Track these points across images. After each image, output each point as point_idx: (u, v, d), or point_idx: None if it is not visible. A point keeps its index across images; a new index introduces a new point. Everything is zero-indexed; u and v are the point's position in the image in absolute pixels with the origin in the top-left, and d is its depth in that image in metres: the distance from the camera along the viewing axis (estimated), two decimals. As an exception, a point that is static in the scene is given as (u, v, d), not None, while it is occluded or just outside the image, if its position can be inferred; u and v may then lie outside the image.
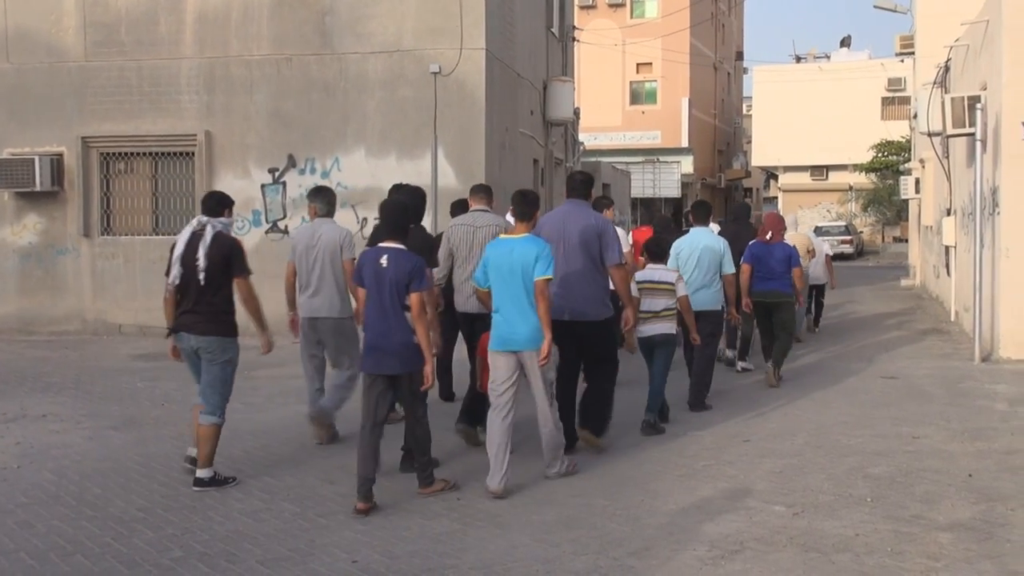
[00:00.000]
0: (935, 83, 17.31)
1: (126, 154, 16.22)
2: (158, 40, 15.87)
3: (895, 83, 49.19)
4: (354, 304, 7.75)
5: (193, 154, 15.89)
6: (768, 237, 11.15)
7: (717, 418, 9.38)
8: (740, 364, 12.17)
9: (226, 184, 15.65)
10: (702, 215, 10.46)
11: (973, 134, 13.00)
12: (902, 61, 38.89)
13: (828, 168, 52.30)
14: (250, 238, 15.53)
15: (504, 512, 6.49)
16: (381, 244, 6.79)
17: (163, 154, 16.12)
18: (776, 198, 54.02)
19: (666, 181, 43.49)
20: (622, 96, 50.35)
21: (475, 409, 8.01)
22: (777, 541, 5.84)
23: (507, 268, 6.90)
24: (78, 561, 5.61)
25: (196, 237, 7.04)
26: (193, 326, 6.99)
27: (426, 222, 14.82)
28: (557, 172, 21.42)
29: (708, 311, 9.75)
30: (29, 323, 16.37)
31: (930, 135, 17.06)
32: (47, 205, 16.30)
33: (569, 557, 5.61)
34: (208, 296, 6.98)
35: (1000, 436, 8.49)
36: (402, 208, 6.96)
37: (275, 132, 15.64)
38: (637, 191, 39.44)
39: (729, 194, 59.48)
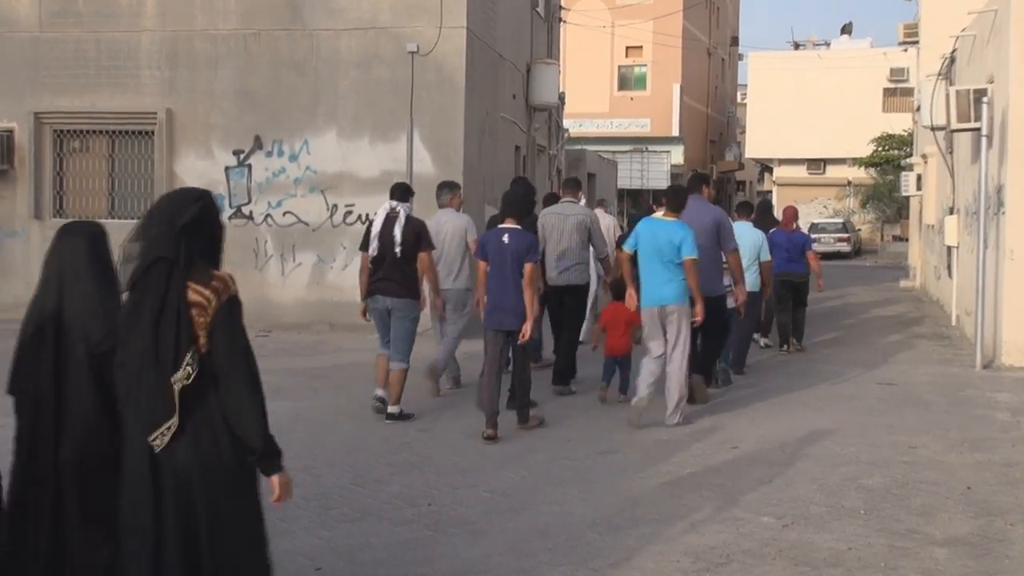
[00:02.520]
0: (940, 75, 17.40)
1: (81, 132, 16.12)
2: (118, 11, 15.77)
3: (898, 73, 49.41)
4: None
5: (153, 133, 15.81)
6: (793, 227, 14.31)
7: (705, 423, 9.42)
8: (763, 340, 14.43)
9: (187, 166, 15.60)
10: (746, 211, 13.33)
11: (979, 129, 13.05)
12: (905, 50, 39.07)
13: (826, 162, 52.48)
14: (212, 224, 15.47)
15: (478, 519, 6.50)
16: (501, 225, 9.10)
17: (121, 132, 16.03)
18: (770, 192, 54.18)
19: (655, 172, 43.64)
20: (610, 81, 50.40)
21: (565, 371, 10.80)
22: (765, 554, 5.88)
23: (654, 244, 9.24)
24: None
25: (391, 218, 9.35)
26: (388, 290, 9.24)
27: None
28: (539, 160, 21.43)
29: (750, 292, 11.78)
30: (-26, 310, 16.27)
31: (933, 129, 17.14)
32: (-5, 184, 16.18)
33: (545, 568, 5.63)
34: (401, 266, 9.25)
35: (1001, 447, 8.56)
36: (524, 197, 9.45)
37: (241, 111, 15.58)
38: (624, 182, 39.53)
39: (721, 187, 59.64)
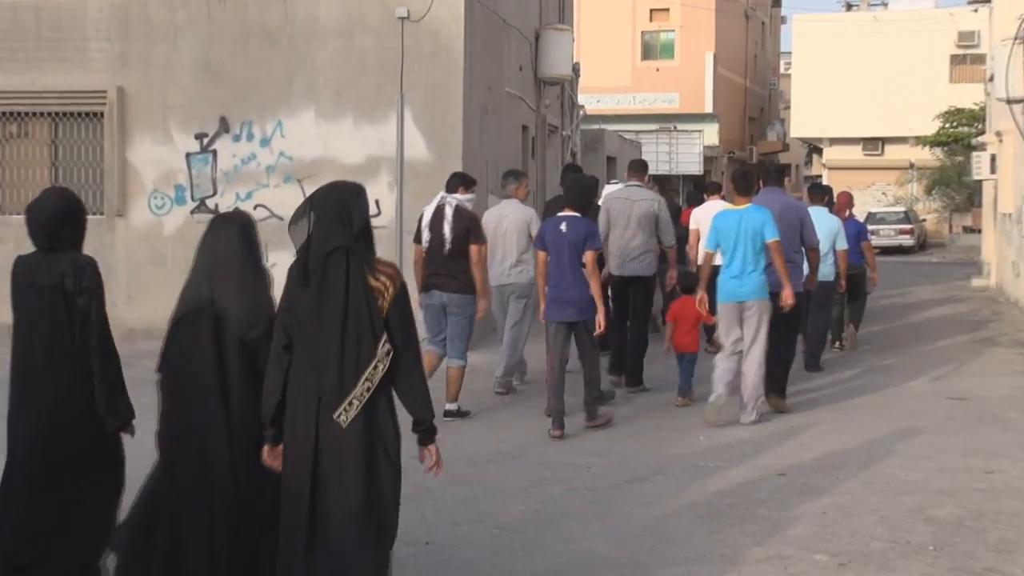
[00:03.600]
0: (1017, 38, 17.36)
1: (20, 114, 16.13)
2: (60, -27, 15.79)
3: (967, 38, 49.34)
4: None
5: (102, 115, 15.81)
6: (847, 215, 14.84)
7: (746, 447, 9.43)
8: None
9: (143, 152, 15.60)
10: (819, 195, 14.12)
11: (1063, 102, 13.03)
12: (976, 11, 39.06)
13: (884, 141, 52.37)
14: (172, 219, 15.47)
15: (483, 561, 6.50)
16: (560, 214, 10.00)
17: (65, 115, 16.04)
18: (820, 177, 54.08)
19: (685, 154, 43.51)
20: (632, 50, 50.39)
21: (636, 371, 11.80)
22: (819, 598, 5.87)
23: (736, 234, 10.10)
24: None
25: (440, 211, 10.20)
26: (444, 285, 10.16)
27: (391, 199, 14.87)
28: (551, 142, 21.43)
29: (826, 282, 12.90)
30: None
31: (1009, 102, 17.12)
32: (-80, 176, 16.21)
33: (563, 616, 5.63)
34: (453, 260, 10.12)
35: (1092, 471, 8.55)
36: (586, 185, 10.47)
37: (204, 89, 15.58)
38: (650, 166, 39.51)
39: (762, 171, 59.57)
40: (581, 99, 25.30)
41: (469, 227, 10.25)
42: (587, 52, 42.33)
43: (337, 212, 4.89)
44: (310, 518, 4.80)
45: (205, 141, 15.66)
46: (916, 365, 13.87)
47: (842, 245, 13.51)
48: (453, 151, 14.83)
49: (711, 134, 48.02)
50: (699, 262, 12.52)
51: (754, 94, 59.11)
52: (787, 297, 10.19)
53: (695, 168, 43.81)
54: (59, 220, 5.71)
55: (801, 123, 54.07)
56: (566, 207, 10.05)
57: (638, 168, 12.55)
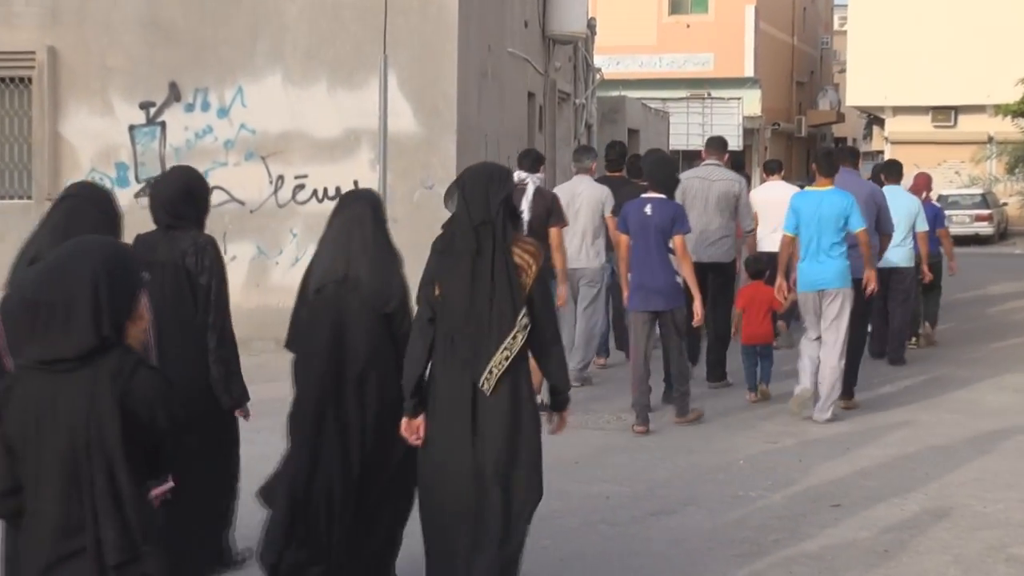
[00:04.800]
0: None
1: (-69, 79, 16.15)
2: (-21, -88, 15.80)
3: (1057, -13, 49.23)
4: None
5: (30, 80, 15.81)
6: (925, 196, 15.64)
7: (794, 472, 9.43)
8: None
9: (78, 125, 15.58)
10: (895, 174, 14.84)
11: None
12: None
13: (957, 110, 52.24)
14: (113, 204, 15.45)
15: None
16: (644, 195, 10.86)
17: (-14, 80, 16.06)
18: (881, 153, 53.99)
19: (721, 126, 43.26)
20: (658, 2, 50.39)
21: (718, 365, 12.75)
22: (881, 652, 5.87)
23: (816, 218, 10.94)
24: None
25: (518, 191, 10.41)
26: None
27: (372, 180, 14.83)
28: (562, 111, 21.43)
29: (905, 268, 14.00)
30: None
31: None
32: None
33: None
34: None
35: None
36: (669, 164, 11.48)
37: (151, 50, 15.56)
38: (679, 140, 39.43)
39: (813, 145, 59.53)
40: (598, 61, 25.33)
41: (551, 208, 11.17)
42: (605, 5, 42.32)
43: (484, 189, 5.87)
44: (460, 485, 5.78)
45: (152, 111, 15.65)
46: (997, 371, 13.95)
47: (922, 227, 14.36)
48: (446, 123, 14.81)
49: (752, 102, 48.02)
50: (760, 248, 13.87)
51: (803, 54, 59.08)
52: (870, 279, 11.13)
53: (733, 142, 43.43)
54: (180, 198, 6.71)
55: (859, 89, 53.86)
56: (649, 188, 10.92)
57: (716, 145, 13.44)
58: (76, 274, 4.02)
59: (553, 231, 11.17)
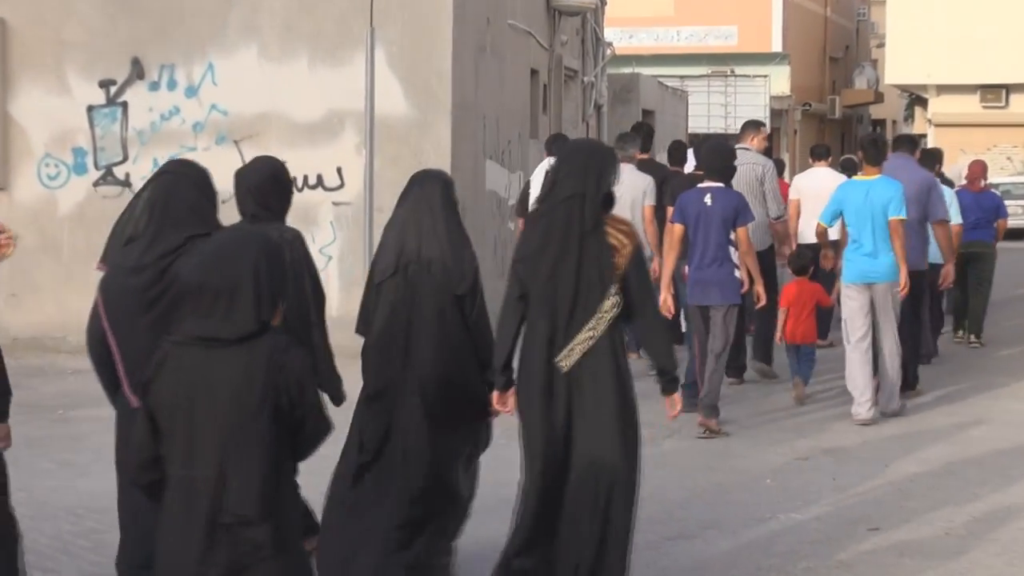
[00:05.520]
0: None
1: None
2: None
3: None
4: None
5: (-23, 56, 15.81)
6: (983, 185, 16.94)
7: (826, 491, 9.41)
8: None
9: (29, 105, 15.56)
10: (929, 161, 15.47)
11: None
12: None
13: (1009, 89, 52.17)
14: (68, 194, 15.40)
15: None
16: (701, 184, 11.40)
17: (-73, 56, 16.04)
18: (924, 137, 53.94)
19: (746, 106, 43.41)
20: (675, -31, 50.41)
21: (767, 348, 13.64)
22: None
23: (865, 207, 11.56)
24: None
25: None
26: None
27: (358, 166, 14.80)
28: (568, 90, 21.40)
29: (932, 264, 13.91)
30: None
31: None
32: None
33: None
34: None
35: None
36: (727, 150, 11.84)
37: (111, 22, 15.55)
38: (700, 122, 39.48)
39: (848, 128, 59.52)
40: (609, 34, 25.31)
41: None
42: (617, -28, 42.26)
43: (582, 165, 6.47)
44: (547, 459, 6.37)
45: (113, 90, 15.64)
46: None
47: (956, 219, 14.54)
48: (439, 103, 14.78)
49: (780, 80, 48.01)
50: (801, 240, 14.49)
51: (837, 27, 59.09)
52: (902, 283, 11.57)
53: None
54: (269, 186, 7.04)
55: (899, 66, 53.77)
56: (706, 177, 11.48)
57: (749, 128, 14.22)
58: (240, 263, 4.80)
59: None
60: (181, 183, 6.46)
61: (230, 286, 4.74)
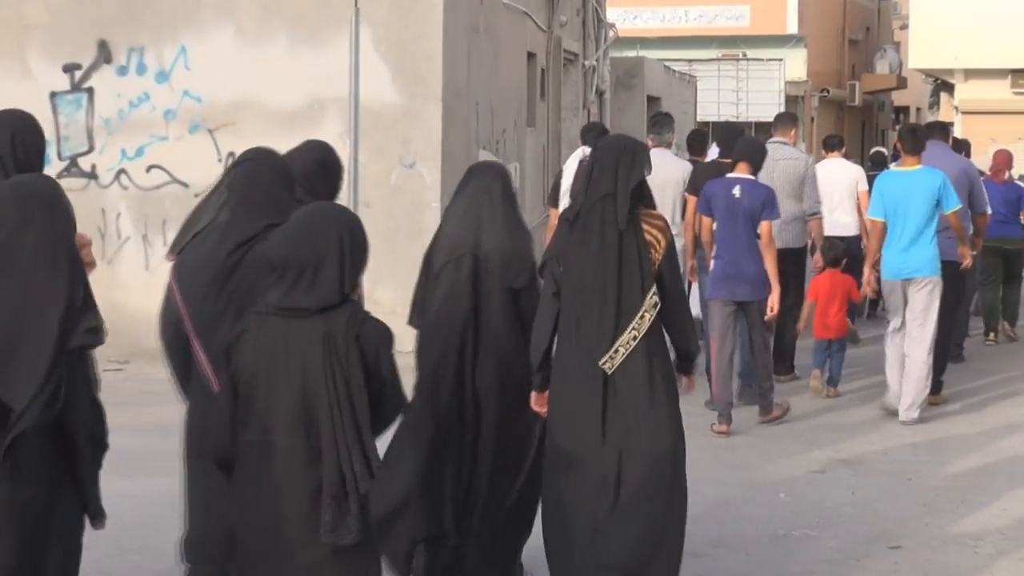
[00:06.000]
0: None
1: None
2: None
3: None
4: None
5: (-68, 39, 15.80)
6: (1007, 176, 17.33)
7: (845, 506, 9.40)
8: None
9: (-10, 91, 15.55)
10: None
11: None
12: None
13: (1041, 74, 52.29)
14: (31, 186, 15.39)
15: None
16: (730, 175, 11.76)
17: None
18: (951, 125, 53.94)
19: (759, 92, 43.46)
20: (683, -54, 50.40)
21: (785, 351, 13.75)
22: None
23: (905, 201, 11.83)
24: None
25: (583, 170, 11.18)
26: None
27: (342, 156, 14.75)
28: (568, 74, 21.39)
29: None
30: None
31: None
32: None
33: None
34: None
35: None
36: (756, 140, 12.78)
37: (76, 2, 15.55)
38: (709, 109, 39.45)
39: (868, 116, 59.51)
40: (612, 15, 25.31)
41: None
42: (620, -51, 42.28)
43: (615, 161, 6.67)
44: (588, 463, 6.57)
45: (78, 75, 15.65)
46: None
47: (980, 209, 14.38)
48: (429, 89, 14.77)
49: (796, 64, 48.00)
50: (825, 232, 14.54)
51: (857, 8, 59.13)
52: (965, 255, 12.35)
53: (773, 111, 43.58)
54: (316, 171, 7.36)
55: (924, 49, 53.72)
56: (738, 166, 11.79)
57: (784, 121, 14.70)
58: (326, 236, 5.22)
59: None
60: (263, 171, 6.71)
61: (316, 259, 5.15)
